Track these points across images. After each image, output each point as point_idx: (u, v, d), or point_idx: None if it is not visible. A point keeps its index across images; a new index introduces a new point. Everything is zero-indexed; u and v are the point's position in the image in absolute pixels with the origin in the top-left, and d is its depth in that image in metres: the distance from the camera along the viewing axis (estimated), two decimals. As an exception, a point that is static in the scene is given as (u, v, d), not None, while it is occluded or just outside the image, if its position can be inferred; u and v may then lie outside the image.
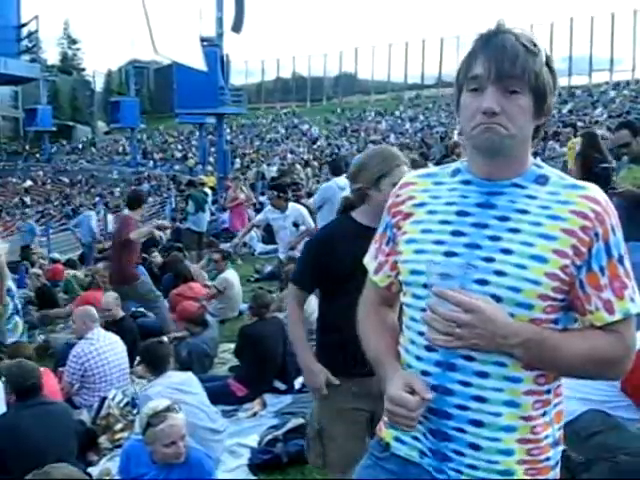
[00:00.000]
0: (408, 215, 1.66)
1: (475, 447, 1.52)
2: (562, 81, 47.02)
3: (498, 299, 1.46)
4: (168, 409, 3.30)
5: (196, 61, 20.76)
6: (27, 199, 40.41)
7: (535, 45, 1.49)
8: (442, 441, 1.55)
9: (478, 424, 1.51)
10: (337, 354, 2.71)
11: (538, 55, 1.48)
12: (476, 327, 1.44)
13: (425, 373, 1.56)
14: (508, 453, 1.52)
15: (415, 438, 1.61)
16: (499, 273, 1.47)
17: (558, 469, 1.59)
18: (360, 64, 63.91)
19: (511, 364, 1.49)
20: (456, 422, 1.52)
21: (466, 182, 1.60)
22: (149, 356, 4.46)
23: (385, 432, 1.70)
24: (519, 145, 1.53)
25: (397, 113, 45.20)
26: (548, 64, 1.51)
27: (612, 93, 37.67)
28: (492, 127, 1.48)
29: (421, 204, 1.65)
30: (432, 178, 1.68)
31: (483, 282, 1.48)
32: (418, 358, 1.59)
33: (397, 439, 1.66)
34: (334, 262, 2.68)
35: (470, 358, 1.50)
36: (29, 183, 45.13)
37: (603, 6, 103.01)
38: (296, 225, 7.91)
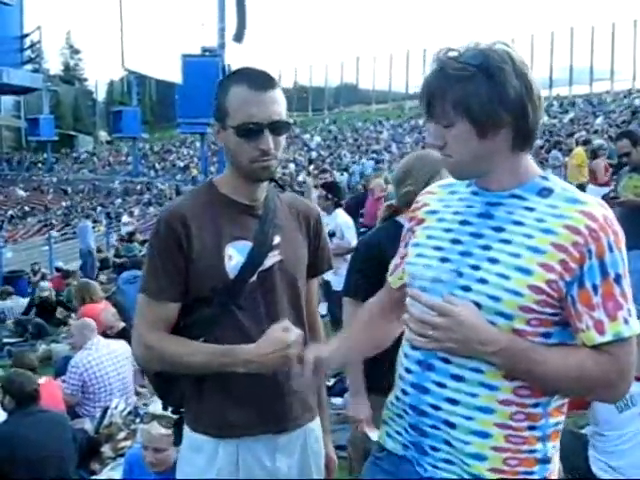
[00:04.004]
0: (421, 221, 1.73)
1: (449, 444, 1.56)
2: (563, 91, 47.12)
3: (478, 306, 1.49)
4: (160, 417, 3.23)
5: (171, 74, 20.63)
6: (27, 208, 40.51)
7: (467, 65, 1.47)
8: (420, 436, 1.60)
9: (450, 425, 1.54)
10: (381, 370, 2.49)
11: (470, 79, 1.46)
12: (450, 331, 1.47)
13: (408, 370, 1.63)
14: (479, 458, 1.53)
15: (398, 432, 1.68)
16: (481, 281, 1.50)
17: None
18: (361, 74, 64.09)
19: (488, 371, 1.51)
20: (431, 420, 1.57)
21: (474, 192, 1.64)
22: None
23: (380, 430, 1.77)
24: (484, 163, 1.55)
25: (398, 122, 45.28)
26: (490, 74, 1.46)
27: (613, 102, 37.70)
28: (444, 158, 1.59)
29: (433, 211, 1.71)
30: (449, 188, 1.73)
31: (467, 289, 1.52)
32: (405, 355, 1.65)
33: (387, 434, 1.72)
34: (383, 270, 2.53)
35: (447, 360, 1.54)
36: (22, 193, 45.21)
37: (603, 16, 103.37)
38: (331, 235, 6.66)
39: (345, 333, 1.88)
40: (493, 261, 1.51)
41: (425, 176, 2.64)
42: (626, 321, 1.46)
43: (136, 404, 5.04)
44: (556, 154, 17.50)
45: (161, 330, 1.89)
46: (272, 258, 1.94)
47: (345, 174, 24.38)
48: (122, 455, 4.39)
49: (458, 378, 1.53)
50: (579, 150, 12.35)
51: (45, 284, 11.05)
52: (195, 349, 1.85)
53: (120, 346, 5.50)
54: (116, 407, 4.96)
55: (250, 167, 1.88)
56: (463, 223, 1.61)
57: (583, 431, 3.31)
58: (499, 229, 1.54)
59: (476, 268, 1.52)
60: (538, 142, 25.43)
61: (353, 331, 1.92)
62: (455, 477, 1.56)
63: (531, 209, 1.53)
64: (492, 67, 1.47)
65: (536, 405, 1.53)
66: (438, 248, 1.61)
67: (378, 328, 1.87)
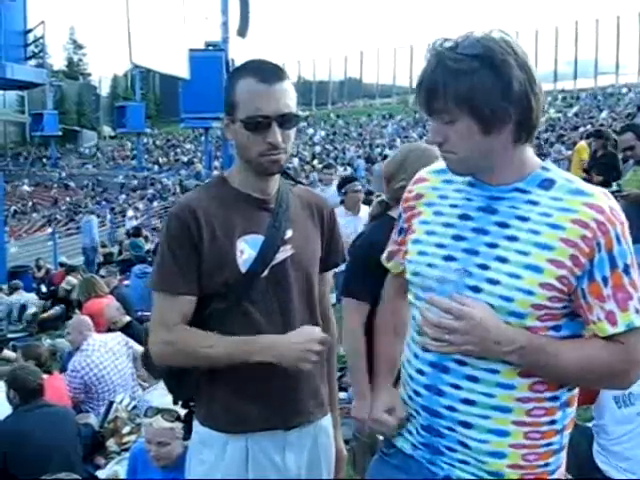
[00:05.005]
0: (418, 213, 1.68)
1: (465, 445, 1.54)
2: (568, 84, 47.02)
3: (491, 307, 1.46)
4: (164, 411, 3.22)
5: (179, 69, 20.52)
6: (31, 204, 40.57)
7: (467, 57, 1.41)
8: (435, 437, 1.59)
9: (467, 425, 1.53)
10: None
11: (473, 72, 1.41)
12: (466, 334, 1.44)
13: (420, 372, 1.60)
14: (498, 455, 1.52)
15: (409, 432, 1.67)
16: (492, 281, 1.47)
17: (559, 470, 1.60)
18: (365, 68, 64.00)
19: (504, 370, 1.49)
20: (446, 421, 1.55)
21: (471, 184, 1.59)
22: (147, 360, 4.45)
23: None
24: (487, 158, 1.50)
25: (403, 117, 45.17)
26: (494, 66, 1.41)
27: (617, 96, 37.55)
28: (444, 156, 1.54)
29: (430, 204, 1.66)
30: (443, 175, 1.67)
31: (476, 289, 1.48)
32: (416, 356, 1.63)
33: (397, 432, 1.71)
34: (382, 268, 2.42)
35: (462, 362, 1.52)
36: (26, 188, 45.22)
37: (608, 9, 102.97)
38: None
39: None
40: (502, 260, 1.47)
41: (420, 168, 2.60)
42: (637, 310, 1.46)
43: (140, 398, 5.05)
44: (559, 147, 17.45)
45: (178, 325, 1.86)
46: (284, 252, 1.91)
47: (349, 168, 24.34)
48: (127, 449, 4.40)
49: (473, 379, 1.51)
50: (582, 144, 12.28)
51: (72, 279, 10.99)
52: (216, 341, 1.83)
53: (116, 341, 5.48)
54: (121, 402, 4.96)
55: (259, 161, 1.86)
56: (463, 217, 1.57)
57: (589, 424, 3.30)
58: (504, 225, 1.50)
59: (485, 267, 1.49)
60: (543, 135, 25.40)
61: (386, 349, 1.86)
62: (472, 477, 1.55)
63: (535, 203, 1.49)
64: (495, 59, 1.41)
65: (553, 398, 1.53)
66: (440, 245, 1.58)
67: (398, 326, 1.83)
